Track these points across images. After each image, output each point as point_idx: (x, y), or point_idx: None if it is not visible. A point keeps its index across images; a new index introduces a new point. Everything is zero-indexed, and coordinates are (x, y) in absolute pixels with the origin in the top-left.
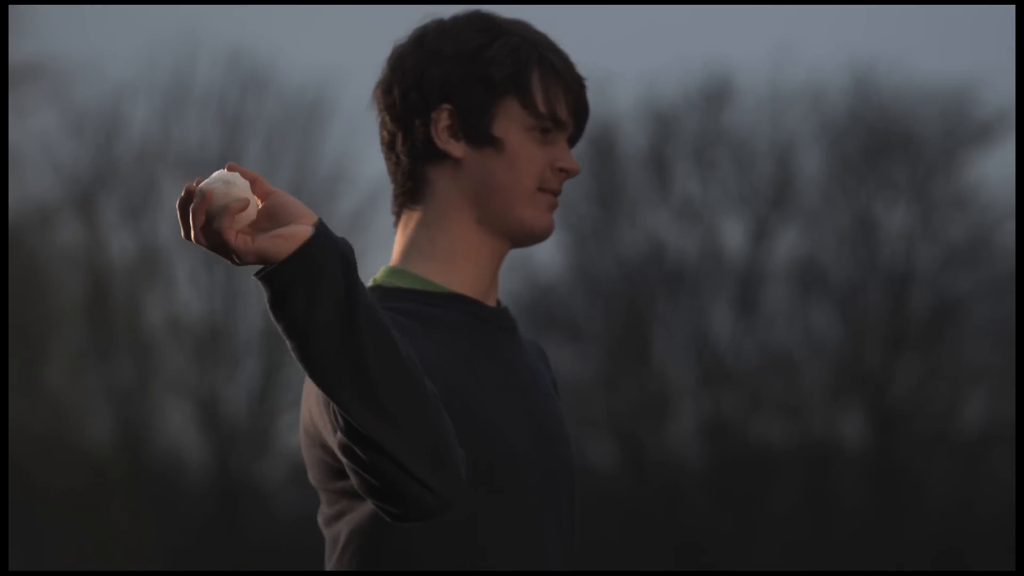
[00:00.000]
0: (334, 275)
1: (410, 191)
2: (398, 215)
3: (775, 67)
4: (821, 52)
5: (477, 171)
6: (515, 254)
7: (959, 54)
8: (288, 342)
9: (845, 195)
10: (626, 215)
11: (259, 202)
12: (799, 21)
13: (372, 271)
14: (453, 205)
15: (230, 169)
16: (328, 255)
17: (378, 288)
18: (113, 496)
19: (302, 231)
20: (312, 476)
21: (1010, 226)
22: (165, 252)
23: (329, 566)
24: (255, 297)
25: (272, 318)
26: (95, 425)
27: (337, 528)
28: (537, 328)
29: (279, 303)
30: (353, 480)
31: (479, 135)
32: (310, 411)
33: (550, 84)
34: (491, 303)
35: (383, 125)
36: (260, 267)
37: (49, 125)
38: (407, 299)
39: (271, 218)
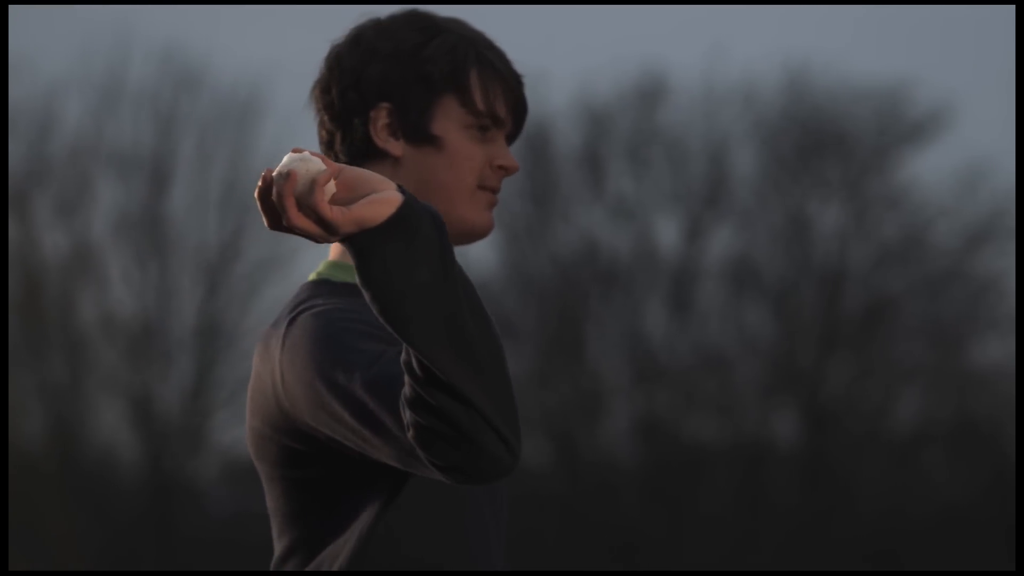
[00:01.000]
0: (429, 235)
1: None
2: None
3: (709, 66)
4: (755, 51)
5: (416, 170)
6: None
7: (892, 54)
8: (377, 305)
9: (779, 194)
10: (560, 213)
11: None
12: (733, 21)
13: (307, 269)
14: None
15: (295, 151)
16: (421, 216)
17: (326, 283)
18: (45, 494)
19: (395, 195)
20: (271, 468)
21: (942, 225)
22: (98, 249)
23: (309, 565)
24: (188, 295)
25: (362, 282)
26: (27, 422)
27: (310, 525)
28: None
29: (375, 266)
30: (416, 438)
31: (418, 134)
32: (277, 399)
33: (488, 82)
34: None
35: (321, 125)
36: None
37: None
38: (359, 294)
39: (351, 190)
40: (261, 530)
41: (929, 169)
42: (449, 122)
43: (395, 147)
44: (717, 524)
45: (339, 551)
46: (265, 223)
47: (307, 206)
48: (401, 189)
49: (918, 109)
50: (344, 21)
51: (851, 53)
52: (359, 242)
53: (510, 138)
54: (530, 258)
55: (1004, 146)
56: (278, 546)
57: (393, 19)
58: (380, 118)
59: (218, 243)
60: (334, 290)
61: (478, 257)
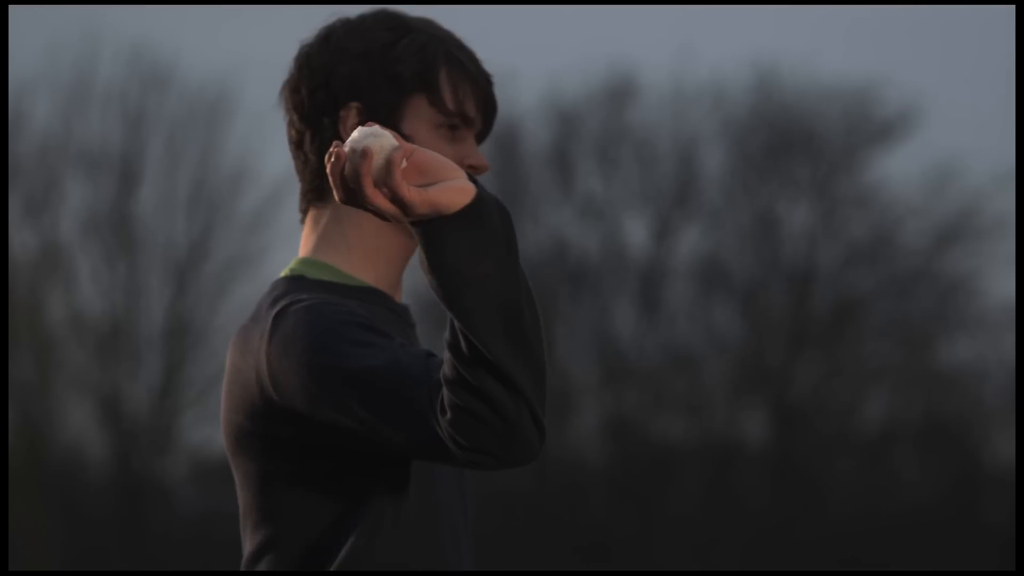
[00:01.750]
0: (498, 226)
1: (318, 189)
2: (305, 212)
3: (678, 66)
4: (724, 51)
5: None
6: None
7: (860, 54)
8: (441, 291)
9: (747, 193)
10: (529, 213)
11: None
12: (702, 20)
13: (276, 268)
14: None
15: (368, 125)
16: (492, 207)
17: (301, 279)
18: (14, 493)
19: (469, 185)
20: (250, 462)
21: (911, 225)
22: (67, 248)
23: (286, 564)
24: (157, 294)
25: (428, 266)
26: None
27: (287, 523)
28: (438, 326)
29: (447, 255)
30: (453, 420)
31: None
32: (263, 391)
33: (458, 81)
34: (398, 300)
35: (291, 124)
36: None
37: None
38: (334, 291)
39: (422, 172)
40: (230, 529)
41: (898, 169)
42: (419, 121)
43: None
44: (686, 524)
45: (322, 552)
46: (338, 197)
47: (384, 185)
48: (471, 178)
49: (887, 109)
50: (314, 20)
51: (820, 53)
52: (432, 229)
53: (480, 137)
54: None
55: (973, 146)
56: (250, 543)
57: (363, 19)
58: (350, 117)
59: (187, 242)
60: (311, 286)
61: None
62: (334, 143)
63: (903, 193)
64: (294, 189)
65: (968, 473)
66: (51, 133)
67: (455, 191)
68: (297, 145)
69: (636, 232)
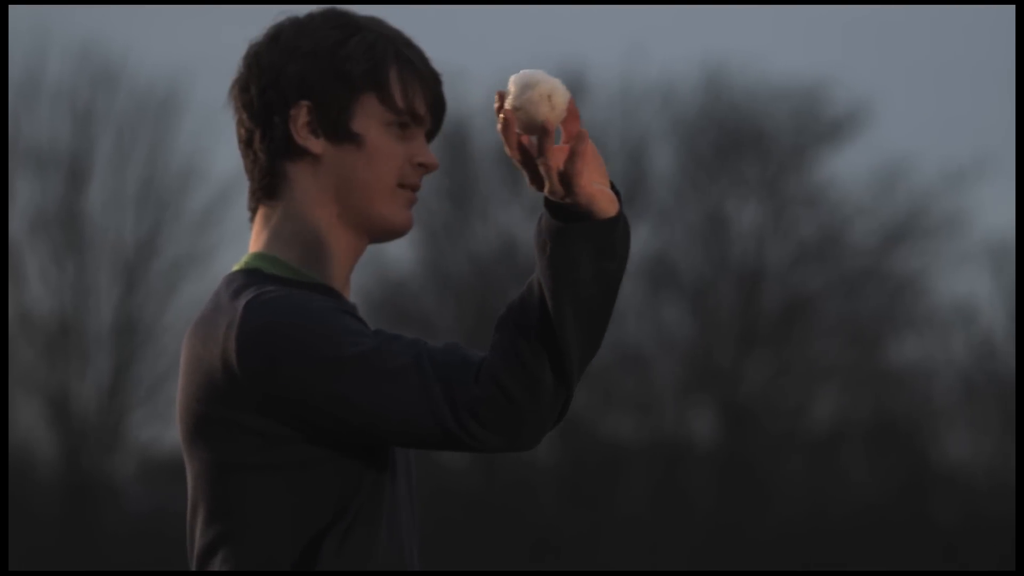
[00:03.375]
0: (617, 243)
1: (267, 187)
2: (254, 210)
3: (627, 64)
4: (673, 50)
5: (337, 167)
6: (367, 249)
7: (809, 53)
8: (552, 283)
9: (696, 192)
10: (478, 211)
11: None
12: (651, 19)
13: (226, 266)
14: (313, 200)
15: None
16: (622, 223)
17: (258, 272)
18: None
19: (614, 196)
20: (209, 452)
21: (860, 225)
22: (15, 247)
23: (241, 559)
24: (106, 292)
25: (548, 253)
26: None
27: (244, 516)
28: (388, 323)
29: (575, 253)
30: (491, 400)
31: (338, 131)
32: (230, 378)
33: (407, 79)
34: (347, 298)
35: (240, 123)
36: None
37: None
38: (291, 287)
39: (585, 161)
40: (180, 526)
41: (846, 168)
42: (369, 120)
43: (315, 145)
44: (634, 523)
45: (283, 548)
46: (511, 155)
47: (566, 170)
48: (614, 188)
49: (835, 108)
50: (263, 19)
51: (769, 52)
52: (572, 227)
53: (429, 136)
54: (448, 256)
55: (921, 145)
56: (203, 537)
57: (312, 17)
58: (300, 116)
59: (136, 240)
60: (269, 280)
61: (396, 255)
62: (497, 94)
63: (852, 192)
64: (243, 187)
65: (917, 472)
66: None
67: (608, 199)
68: (247, 144)
69: None
